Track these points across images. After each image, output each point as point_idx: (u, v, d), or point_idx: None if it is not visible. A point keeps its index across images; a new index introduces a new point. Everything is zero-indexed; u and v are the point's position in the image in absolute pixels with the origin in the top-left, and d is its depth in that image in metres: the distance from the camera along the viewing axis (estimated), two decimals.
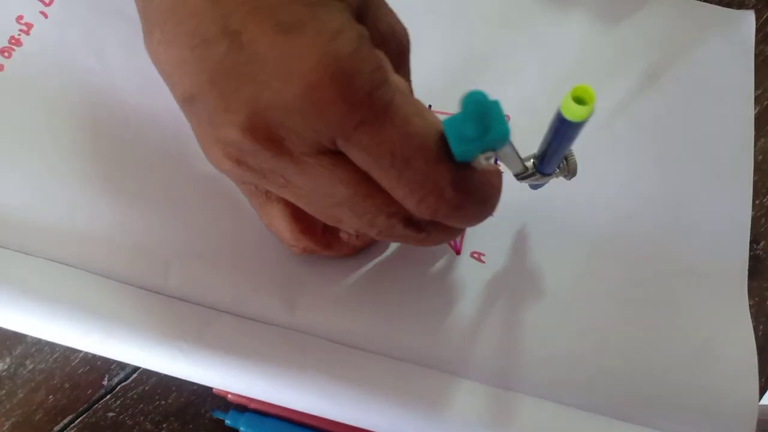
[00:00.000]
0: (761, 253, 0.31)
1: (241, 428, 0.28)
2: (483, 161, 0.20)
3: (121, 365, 0.29)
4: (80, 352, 0.29)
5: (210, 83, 0.20)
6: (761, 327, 0.30)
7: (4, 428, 0.28)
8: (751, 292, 0.30)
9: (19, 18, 0.33)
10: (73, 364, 0.29)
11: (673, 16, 0.35)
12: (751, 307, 0.29)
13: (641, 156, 0.32)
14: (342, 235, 0.27)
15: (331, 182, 0.21)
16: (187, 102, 0.21)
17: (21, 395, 0.29)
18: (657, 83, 0.33)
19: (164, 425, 0.28)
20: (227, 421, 0.28)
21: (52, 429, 0.28)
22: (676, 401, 0.27)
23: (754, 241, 0.31)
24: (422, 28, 0.33)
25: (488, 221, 0.30)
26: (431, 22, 0.34)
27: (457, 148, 0.19)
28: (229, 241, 0.29)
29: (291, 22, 0.19)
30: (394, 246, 0.29)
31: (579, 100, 0.19)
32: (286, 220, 0.25)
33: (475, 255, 0.29)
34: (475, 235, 0.30)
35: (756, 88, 0.34)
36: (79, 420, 0.28)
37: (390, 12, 0.23)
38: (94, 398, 0.29)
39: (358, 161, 0.20)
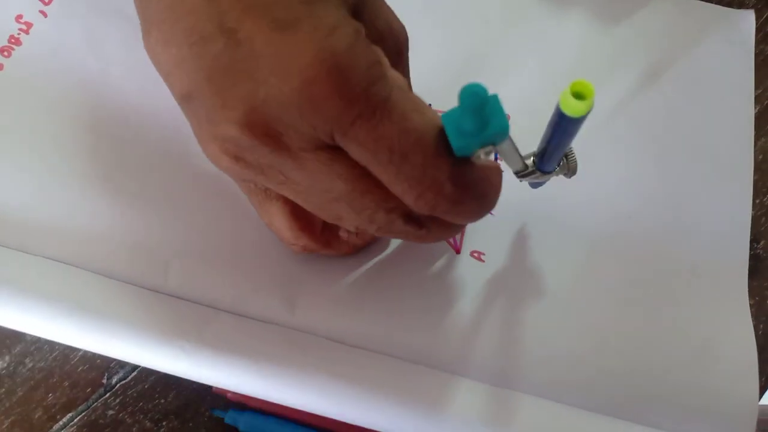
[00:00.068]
0: (761, 252, 0.31)
1: (241, 427, 0.28)
2: (482, 156, 0.20)
3: (121, 363, 0.29)
4: (79, 350, 0.29)
5: (207, 80, 0.20)
6: (761, 326, 0.30)
7: (4, 426, 0.28)
8: (752, 292, 0.29)
9: (19, 17, 0.33)
10: (72, 362, 0.29)
11: (673, 15, 0.35)
12: (751, 306, 0.29)
13: (641, 155, 0.32)
14: (341, 233, 0.27)
15: (329, 177, 0.21)
16: (185, 100, 0.21)
17: (20, 393, 0.29)
18: (657, 82, 0.33)
19: (164, 423, 0.28)
20: (227, 420, 0.28)
21: (52, 427, 0.28)
22: (676, 401, 0.27)
23: (754, 240, 0.31)
24: (421, 26, 0.33)
25: (488, 220, 0.30)
26: (430, 20, 0.34)
27: (456, 143, 0.19)
28: (229, 241, 0.29)
29: (287, 19, 0.19)
30: (394, 245, 0.29)
31: (578, 96, 0.19)
32: (286, 218, 0.25)
33: (475, 254, 0.29)
34: (475, 234, 0.30)
35: (756, 87, 0.34)
36: (78, 418, 0.28)
37: (387, 9, 0.23)
38: (93, 396, 0.29)
39: (356, 156, 0.20)
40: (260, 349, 0.27)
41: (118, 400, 0.29)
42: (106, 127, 0.31)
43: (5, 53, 0.32)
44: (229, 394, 0.28)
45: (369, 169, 0.20)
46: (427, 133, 0.20)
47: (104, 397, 0.29)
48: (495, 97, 0.19)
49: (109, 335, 0.26)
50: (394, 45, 0.23)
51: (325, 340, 0.27)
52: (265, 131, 0.20)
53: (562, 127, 0.21)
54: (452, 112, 0.19)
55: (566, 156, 0.25)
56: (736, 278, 0.30)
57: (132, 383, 0.29)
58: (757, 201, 0.32)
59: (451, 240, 0.29)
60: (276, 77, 0.19)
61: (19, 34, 0.32)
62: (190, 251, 0.28)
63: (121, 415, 0.29)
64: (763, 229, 0.32)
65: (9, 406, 0.28)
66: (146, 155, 0.30)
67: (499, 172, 0.22)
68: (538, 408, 0.26)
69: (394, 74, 0.20)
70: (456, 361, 0.27)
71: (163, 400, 0.29)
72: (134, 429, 0.28)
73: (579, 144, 0.25)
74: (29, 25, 0.33)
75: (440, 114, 0.20)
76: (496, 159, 0.22)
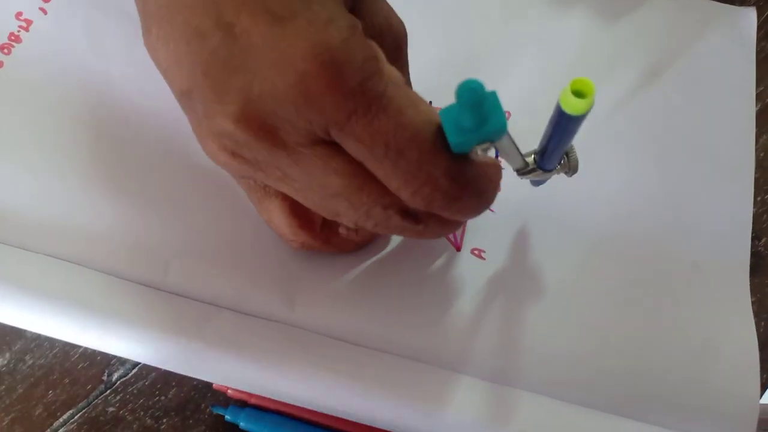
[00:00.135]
0: (763, 250, 0.31)
1: (241, 423, 0.28)
2: (480, 153, 0.20)
3: (121, 360, 0.29)
4: (80, 347, 0.29)
5: (204, 75, 0.20)
6: (763, 324, 0.30)
7: (4, 423, 0.28)
8: (753, 289, 0.29)
9: (19, 14, 0.33)
10: (72, 359, 0.29)
11: (673, 12, 0.35)
12: (752, 304, 0.29)
13: (642, 153, 0.32)
14: (341, 230, 0.27)
15: (325, 173, 0.21)
16: (183, 96, 0.21)
17: (20, 390, 0.29)
18: (658, 80, 0.33)
19: (164, 420, 0.28)
20: (227, 417, 0.28)
21: (52, 424, 0.28)
22: (677, 399, 0.27)
23: (755, 237, 0.31)
24: (422, 24, 0.33)
25: (489, 218, 0.30)
26: (431, 18, 0.34)
27: (453, 139, 0.19)
28: (229, 238, 0.29)
29: (282, 13, 0.19)
30: (394, 242, 0.29)
31: (578, 93, 0.19)
32: (285, 214, 0.25)
33: (476, 252, 0.29)
34: (476, 232, 0.30)
35: (757, 85, 0.34)
36: (78, 415, 0.28)
37: (386, 5, 0.23)
38: (93, 393, 0.29)
39: (353, 152, 0.20)
40: (260, 346, 0.27)
41: (118, 397, 0.29)
42: (107, 124, 0.31)
43: (5, 51, 0.32)
44: (229, 391, 0.28)
45: (365, 165, 0.20)
46: (424, 129, 0.19)
47: (104, 394, 0.29)
48: (493, 94, 0.19)
49: (110, 332, 0.26)
50: (393, 41, 0.23)
51: (325, 337, 0.27)
52: (260, 126, 0.20)
53: (563, 125, 0.21)
54: (450, 108, 0.19)
55: (567, 154, 0.25)
56: (737, 276, 0.29)
57: (132, 380, 0.29)
58: (759, 198, 0.32)
59: (452, 237, 0.29)
60: (271, 71, 0.19)
61: (19, 31, 0.32)
62: (190, 249, 0.28)
63: (121, 412, 0.29)
64: (764, 226, 0.32)
65: (9, 403, 0.28)
66: (146, 153, 0.30)
67: (498, 168, 0.22)
68: (537, 405, 0.26)
69: (390, 69, 0.20)
70: (456, 359, 0.27)
71: (163, 397, 0.29)
72: (135, 426, 0.28)
73: (579, 143, 0.25)
74: (29, 22, 0.32)
75: (438, 110, 0.20)
76: (496, 157, 0.22)
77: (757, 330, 0.28)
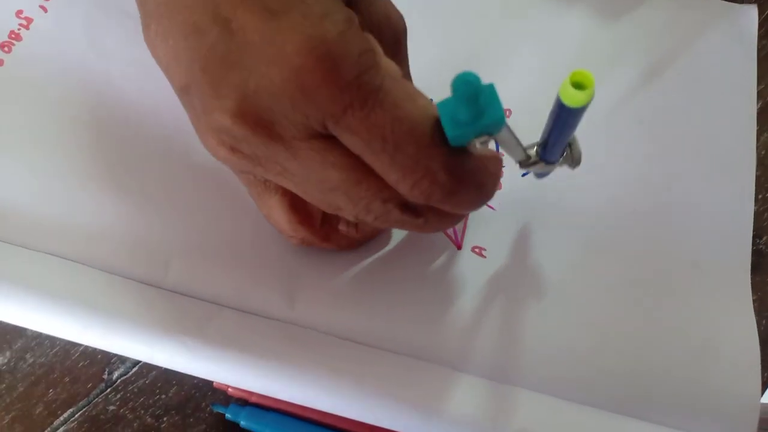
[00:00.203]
0: (764, 248, 0.31)
1: (242, 422, 0.28)
2: (478, 146, 0.20)
3: (122, 359, 0.29)
4: (80, 345, 0.29)
5: (202, 71, 0.20)
6: (764, 322, 0.30)
7: (4, 422, 0.28)
8: (754, 287, 0.29)
9: (19, 12, 0.33)
10: (73, 357, 0.29)
11: (674, 10, 0.35)
12: (753, 302, 0.29)
13: (643, 152, 0.32)
14: (341, 227, 0.27)
15: (323, 167, 0.21)
16: (183, 92, 0.21)
17: (21, 389, 0.29)
18: (659, 78, 0.33)
19: (165, 419, 0.28)
20: (228, 415, 0.28)
21: (53, 423, 0.28)
22: (677, 398, 0.27)
23: (756, 236, 0.31)
24: (422, 21, 0.33)
25: (490, 216, 0.30)
26: (431, 15, 0.34)
27: (450, 132, 0.19)
28: (230, 237, 0.29)
29: (278, 7, 0.19)
30: (394, 240, 0.29)
31: (578, 86, 0.19)
32: (284, 210, 0.25)
33: (477, 250, 0.29)
34: (477, 230, 0.30)
35: (758, 83, 0.34)
36: (79, 414, 0.28)
37: None
38: (94, 392, 0.29)
39: (350, 145, 0.20)
40: (261, 345, 0.27)
41: (119, 396, 0.29)
42: (107, 122, 0.31)
43: (5, 49, 0.32)
44: (230, 390, 0.28)
45: (363, 158, 0.20)
46: (421, 123, 0.19)
47: (105, 393, 0.29)
48: (491, 87, 0.18)
49: (111, 331, 0.26)
50: (392, 35, 0.23)
51: (326, 335, 0.27)
52: (257, 121, 0.20)
53: (563, 117, 0.21)
54: (447, 101, 0.19)
55: (570, 146, 0.25)
56: (738, 274, 0.29)
57: (133, 378, 0.29)
58: (760, 196, 0.32)
59: (452, 235, 0.29)
60: (266, 66, 0.19)
61: (19, 29, 0.32)
62: (191, 247, 0.28)
63: (122, 410, 0.29)
64: (765, 224, 0.32)
65: (9, 401, 0.28)
66: (147, 151, 0.30)
67: (497, 161, 0.22)
68: (538, 403, 0.26)
69: (387, 63, 0.20)
70: (456, 357, 0.27)
71: (164, 396, 0.29)
72: (135, 424, 0.28)
73: (581, 139, 0.25)
74: (29, 20, 0.32)
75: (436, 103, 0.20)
76: (497, 149, 0.22)
77: (758, 328, 0.28)
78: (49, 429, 0.28)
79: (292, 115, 0.19)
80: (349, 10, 0.20)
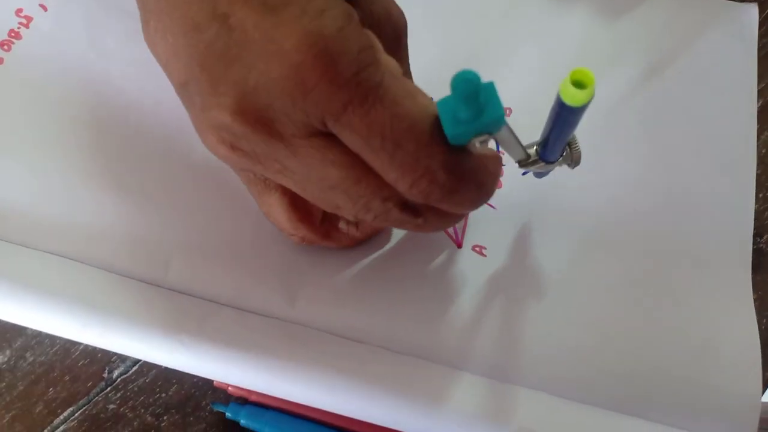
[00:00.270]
0: (764, 247, 0.31)
1: (242, 421, 0.28)
2: (478, 145, 0.20)
3: (122, 358, 0.29)
4: (80, 344, 0.29)
5: (201, 68, 0.20)
6: (765, 321, 0.30)
7: (4, 421, 0.28)
8: (755, 286, 0.29)
9: (19, 11, 0.33)
10: (73, 356, 0.29)
11: (675, 9, 0.35)
12: (754, 301, 0.29)
13: (643, 150, 0.32)
14: (341, 225, 0.27)
15: (322, 165, 0.20)
16: (182, 89, 0.21)
17: (21, 388, 0.29)
18: (660, 77, 0.33)
19: (165, 418, 0.28)
20: (228, 414, 0.28)
21: (53, 422, 0.28)
22: (678, 397, 0.27)
23: (757, 234, 0.31)
24: (423, 19, 0.33)
25: (490, 215, 0.30)
26: (432, 13, 0.34)
27: (450, 131, 0.19)
28: (229, 235, 0.29)
29: (276, 3, 0.19)
30: (395, 239, 0.29)
31: (578, 84, 0.19)
32: (285, 208, 0.25)
33: (477, 248, 0.29)
34: (477, 229, 0.30)
35: (759, 81, 0.34)
36: (79, 412, 0.28)
37: None
38: (94, 391, 0.29)
39: (349, 143, 0.20)
40: (261, 343, 0.26)
41: (119, 395, 0.29)
42: (107, 121, 0.31)
43: (5, 47, 0.32)
44: (230, 388, 0.28)
45: (362, 156, 0.20)
46: (421, 120, 0.19)
47: (105, 392, 0.29)
48: (491, 85, 0.18)
49: (111, 329, 0.26)
50: (393, 31, 0.23)
51: (326, 333, 0.27)
52: (256, 118, 0.20)
53: (563, 116, 0.21)
54: (447, 99, 0.19)
55: (570, 145, 0.25)
56: (739, 273, 0.29)
57: (133, 377, 0.29)
58: (761, 195, 0.32)
59: (453, 234, 0.29)
60: (265, 63, 0.19)
61: (19, 28, 0.32)
62: (191, 246, 0.28)
63: (122, 409, 0.29)
64: (766, 223, 0.32)
65: (10, 400, 0.28)
66: (147, 150, 0.30)
67: (497, 160, 0.22)
68: (538, 402, 0.26)
69: (387, 60, 0.20)
70: (456, 356, 0.27)
71: (164, 394, 0.29)
72: (135, 423, 0.28)
73: (581, 138, 0.25)
74: (29, 19, 0.32)
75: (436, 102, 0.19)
76: (498, 149, 0.22)
77: (759, 327, 0.28)
78: (49, 428, 0.28)
79: (292, 113, 0.19)
80: (349, 5, 0.19)
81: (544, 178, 0.29)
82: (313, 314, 0.27)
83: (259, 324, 0.27)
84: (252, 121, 0.20)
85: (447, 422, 0.26)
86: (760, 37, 0.35)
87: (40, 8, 0.33)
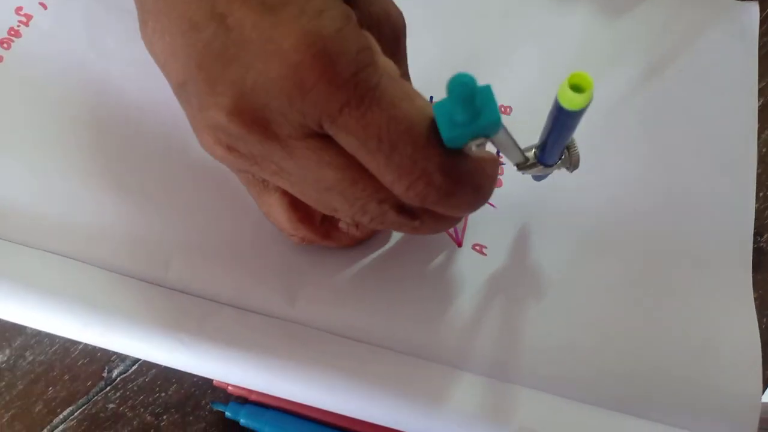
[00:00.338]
0: (765, 246, 0.31)
1: (242, 420, 0.28)
2: (474, 148, 0.20)
3: (121, 357, 0.29)
4: (80, 343, 0.29)
5: (198, 68, 0.20)
6: (765, 320, 0.30)
7: (4, 420, 0.28)
8: (755, 286, 0.29)
9: (19, 9, 0.32)
10: (72, 355, 0.29)
11: (676, 8, 0.35)
12: (754, 300, 0.29)
13: (644, 150, 0.32)
14: (341, 225, 0.27)
15: (318, 166, 0.20)
16: (180, 89, 0.21)
17: (20, 387, 0.29)
18: (660, 76, 0.33)
19: (164, 417, 0.28)
20: (227, 413, 0.28)
21: (52, 421, 0.28)
22: (678, 397, 0.27)
23: (758, 233, 0.31)
24: (422, 19, 0.33)
25: (490, 214, 0.30)
26: (431, 13, 0.34)
27: (446, 134, 0.19)
28: (230, 235, 0.29)
29: (274, 3, 0.19)
30: (395, 238, 0.29)
31: (576, 88, 0.19)
32: (284, 208, 0.25)
33: (477, 247, 0.29)
34: (477, 228, 0.30)
35: (760, 80, 0.33)
36: (78, 412, 0.28)
37: None
38: (93, 390, 0.29)
39: (346, 145, 0.20)
40: (261, 343, 0.26)
41: (118, 394, 0.29)
42: (107, 119, 0.31)
43: (5, 45, 0.32)
44: (230, 388, 0.28)
45: (358, 158, 0.20)
46: (418, 123, 0.19)
47: (105, 391, 0.29)
48: (487, 89, 0.18)
49: (110, 329, 0.26)
50: (392, 32, 0.23)
51: (326, 333, 0.27)
52: (253, 119, 0.20)
53: (561, 120, 0.21)
54: (443, 102, 0.19)
55: (568, 149, 0.25)
56: (739, 272, 0.29)
57: (132, 377, 0.29)
58: (761, 194, 0.32)
59: (453, 233, 0.29)
60: (263, 63, 0.19)
61: (18, 26, 0.32)
62: (191, 245, 0.28)
63: (121, 408, 0.28)
64: (766, 222, 0.32)
65: (9, 399, 0.28)
66: (147, 149, 0.30)
67: (494, 163, 0.22)
68: (538, 402, 0.26)
69: (385, 61, 0.20)
70: (457, 355, 0.27)
71: (163, 394, 0.29)
72: (135, 422, 0.28)
73: (580, 138, 0.25)
74: (29, 17, 0.32)
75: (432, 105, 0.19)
76: (498, 154, 0.22)
77: (759, 327, 0.28)
78: (48, 427, 0.28)
79: (289, 113, 0.19)
80: (347, 6, 0.19)
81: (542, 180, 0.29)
82: (313, 314, 0.27)
83: (259, 323, 0.27)
84: (248, 122, 0.20)
85: (447, 422, 0.25)
86: (761, 36, 0.35)
87: (40, 6, 0.33)
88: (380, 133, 0.19)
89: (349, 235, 0.27)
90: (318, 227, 0.26)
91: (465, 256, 0.29)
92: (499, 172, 0.28)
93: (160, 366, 0.29)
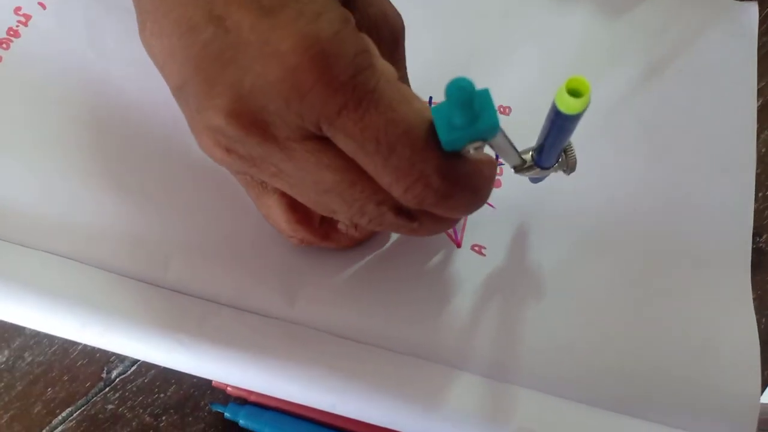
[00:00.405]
0: (764, 246, 0.31)
1: (241, 421, 0.28)
2: (472, 151, 0.20)
3: (120, 358, 0.29)
4: (79, 344, 0.29)
5: (196, 70, 0.20)
6: (764, 321, 0.30)
7: (3, 421, 0.28)
8: (754, 286, 0.29)
9: (18, 9, 0.32)
10: (71, 356, 0.29)
11: (675, 8, 0.35)
12: (753, 300, 0.29)
13: (643, 150, 0.32)
14: (340, 226, 0.27)
15: (317, 168, 0.20)
16: (178, 91, 0.21)
17: (19, 388, 0.28)
18: (660, 76, 0.33)
19: (163, 418, 0.28)
20: (227, 414, 0.28)
21: (51, 422, 0.28)
22: (677, 397, 0.27)
23: (756, 234, 0.31)
24: (422, 19, 0.33)
25: (490, 215, 0.30)
26: (431, 13, 0.34)
27: (444, 137, 0.19)
28: (229, 235, 0.29)
29: (272, 4, 0.19)
30: (394, 238, 0.29)
31: (574, 92, 0.19)
32: (283, 210, 0.25)
33: (476, 248, 0.29)
34: (476, 228, 0.30)
35: (759, 80, 0.33)
36: (78, 413, 0.28)
37: None
38: (92, 391, 0.29)
39: (344, 147, 0.20)
40: (260, 343, 0.26)
41: (117, 395, 0.29)
42: (106, 120, 0.31)
43: (4, 45, 0.32)
44: (229, 389, 0.28)
45: (356, 160, 0.20)
46: (416, 126, 0.19)
47: (104, 392, 0.29)
48: (485, 92, 0.18)
49: (110, 329, 0.26)
50: (390, 34, 0.23)
51: (325, 333, 0.27)
52: (251, 121, 0.20)
53: (559, 124, 0.21)
54: (441, 105, 0.19)
55: (565, 152, 0.25)
56: (738, 272, 0.29)
57: (131, 377, 0.29)
58: (760, 194, 0.32)
59: (452, 234, 0.29)
60: (261, 65, 0.19)
61: (17, 26, 0.32)
62: (190, 245, 0.28)
63: (120, 409, 0.28)
64: (766, 222, 0.32)
65: (8, 400, 0.28)
66: (147, 150, 0.30)
67: (492, 165, 0.22)
68: (537, 402, 0.26)
69: (383, 64, 0.20)
70: (456, 356, 0.27)
71: (162, 395, 0.29)
72: (134, 423, 0.28)
73: (580, 139, 0.25)
74: (28, 17, 0.32)
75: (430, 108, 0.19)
76: (497, 157, 0.22)
77: (758, 327, 0.28)
78: (47, 428, 0.28)
79: (287, 116, 0.19)
80: (345, 9, 0.19)
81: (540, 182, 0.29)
82: (313, 314, 0.27)
83: (258, 324, 0.27)
84: (247, 124, 0.20)
85: (446, 422, 0.25)
86: (760, 36, 0.35)
87: (39, 6, 0.33)
88: (378, 136, 0.19)
89: (348, 236, 0.27)
90: (317, 228, 0.26)
91: (464, 257, 0.29)
92: (498, 172, 0.29)
93: (159, 367, 0.29)
